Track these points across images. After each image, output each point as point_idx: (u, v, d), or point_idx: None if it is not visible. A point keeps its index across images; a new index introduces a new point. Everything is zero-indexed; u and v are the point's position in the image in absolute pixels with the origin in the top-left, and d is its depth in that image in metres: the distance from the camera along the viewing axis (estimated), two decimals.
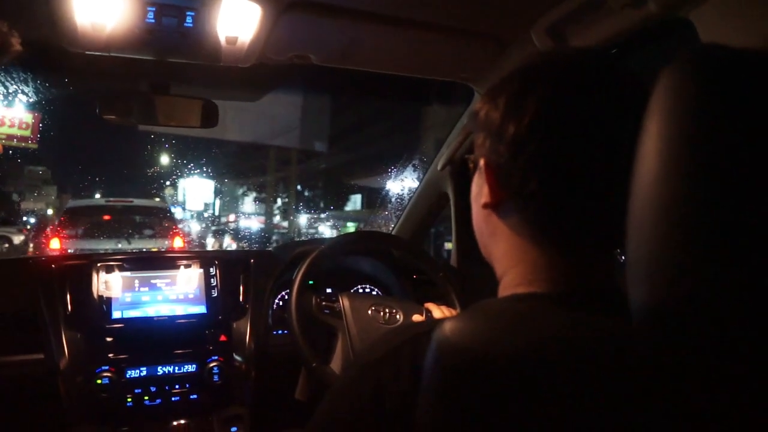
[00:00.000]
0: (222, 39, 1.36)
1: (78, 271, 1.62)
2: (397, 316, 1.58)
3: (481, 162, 0.65)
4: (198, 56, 1.46)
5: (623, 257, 0.60)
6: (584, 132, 0.59)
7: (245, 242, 18.05)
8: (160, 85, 1.59)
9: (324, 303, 1.54)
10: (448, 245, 2.22)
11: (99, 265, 1.62)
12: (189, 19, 1.28)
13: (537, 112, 0.59)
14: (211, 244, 17.18)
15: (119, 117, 1.57)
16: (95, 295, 1.59)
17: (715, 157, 0.41)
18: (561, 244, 0.63)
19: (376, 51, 1.53)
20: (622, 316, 0.52)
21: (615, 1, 1.17)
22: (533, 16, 1.36)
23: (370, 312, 1.54)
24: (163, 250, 7.74)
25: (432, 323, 0.64)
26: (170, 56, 1.46)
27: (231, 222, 26.75)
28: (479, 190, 0.68)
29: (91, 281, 1.61)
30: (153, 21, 1.27)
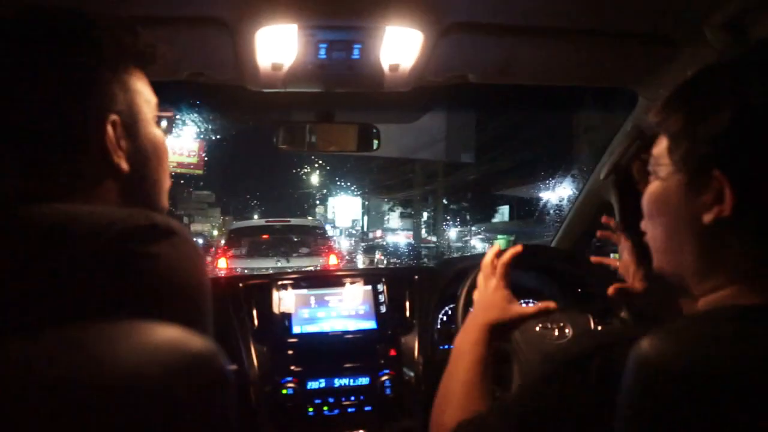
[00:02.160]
0: (385, 67, 1.47)
1: (261, 290, 1.82)
2: (566, 330, 1.58)
3: (716, 173, 0.63)
4: (362, 85, 1.59)
5: None
6: None
7: (396, 258, 18.41)
8: (325, 114, 1.76)
9: None
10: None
11: (279, 283, 1.81)
12: (356, 52, 1.40)
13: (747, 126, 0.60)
14: (361, 260, 17.83)
15: (292, 147, 1.76)
16: (277, 312, 1.77)
17: None
18: None
19: (534, 64, 1.56)
20: None
21: None
22: (706, 11, 1.31)
23: (537, 329, 1.56)
24: (318, 266, 8.16)
25: (620, 334, 0.67)
26: (338, 87, 1.61)
27: (378, 238, 27.61)
28: (682, 205, 0.67)
29: (272, 299, 1.80)
30: (324, 57, 1.41)
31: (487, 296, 1.14)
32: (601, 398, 0.61)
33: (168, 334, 0.55)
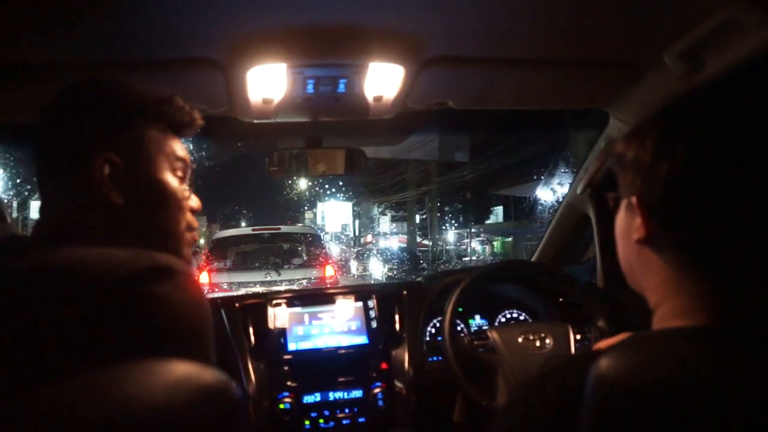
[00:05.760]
0: (369, 98, 1.62)
1: (257, 309, 1.97)
2: (547, 341, 1.74)
3: (633, 200, 0.73)
4: (348, 114, 1.74)
5: None
6: (734, 167, 0.65)
7: (392, 265, 18.09)
8: (314, 140, 1.92)
9: (476, 342, 1.75)
10: None
11: (274, 302, 1.96)
12: (341, 86, 1.55)
13: (689, 152, 0.66)
14: (355, 267, 17.84)
15: (283, 172, 1.92)
16: (273, 330, 1.92)
17: None
18: (716, 275, 0.68)
19: (510, 91, 1.72)
20: None
21: (750, 19, 1.24)
22: (666, 42, 1.44)
23: (520, 340, 1.72)
24: (313, 278, 7.79)
25: (582, 353, 0.78)
26: (325, 117, 1.76)
27: (369, 243, 27.61)
28: (627, 226, 0.76)
29: (267, 317, 1.94)
30: (312, 91, 1.56)
31: None
32: (563, 416, 0.68)
33: (182, 369, 0.60)
